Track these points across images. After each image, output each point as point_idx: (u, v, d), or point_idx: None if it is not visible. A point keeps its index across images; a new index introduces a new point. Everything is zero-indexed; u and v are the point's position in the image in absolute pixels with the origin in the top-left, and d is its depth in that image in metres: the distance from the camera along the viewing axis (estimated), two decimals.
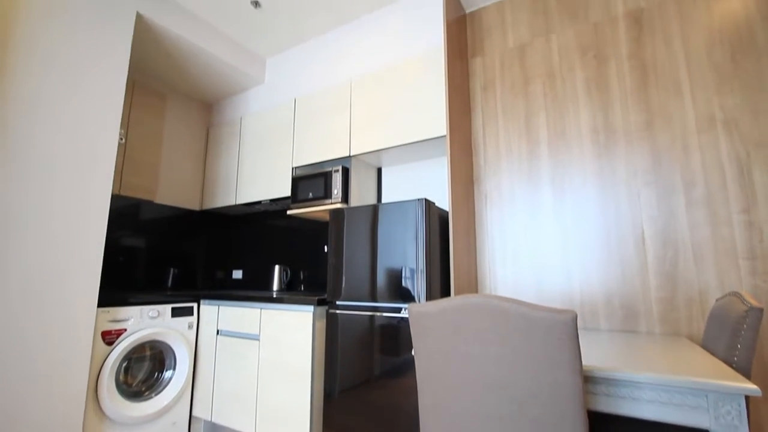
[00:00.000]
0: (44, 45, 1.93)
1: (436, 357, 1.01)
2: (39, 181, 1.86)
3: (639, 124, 1.97)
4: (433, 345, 1.01)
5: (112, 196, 2.66)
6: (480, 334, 0.92)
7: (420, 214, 1.85)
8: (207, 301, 2.59)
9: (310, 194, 2.54)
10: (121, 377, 2.18)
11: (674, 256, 1.81)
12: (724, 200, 1.74)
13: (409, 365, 1.77)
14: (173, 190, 3.21)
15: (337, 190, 2.42)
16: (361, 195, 2.55)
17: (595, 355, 1.28)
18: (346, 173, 2.46)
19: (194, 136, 3.44)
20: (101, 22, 2.17)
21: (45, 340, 1.82)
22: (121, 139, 2.68)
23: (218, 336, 2.47)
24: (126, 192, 2.68)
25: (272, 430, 2.11)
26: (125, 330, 2.16)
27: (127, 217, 2.90)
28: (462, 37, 2.47)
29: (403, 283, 1.84)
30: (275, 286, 2.96)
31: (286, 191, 2.77)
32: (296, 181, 2.64)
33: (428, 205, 1.88)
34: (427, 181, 2.53)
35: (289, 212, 2.64)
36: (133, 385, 2.25)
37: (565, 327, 0.82)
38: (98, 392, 2.02)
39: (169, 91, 3.29)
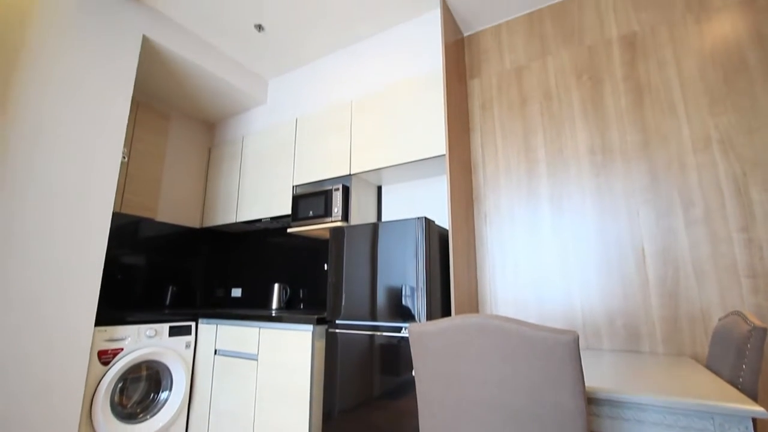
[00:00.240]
0: (51, 66, 1.98)
1: (436, 378, 0.99)
2: (40, 199, 1.88)
3: (635, 143, 2.00)
4: (434, 366, 0.99)
5: (113, 213, 2.67)
6: (481, 355, 0.91)
7: (420, 232, 1.85)
8: (205, 320, 2.56)
9: (311, 212, 2.55)
10: (116, 398, 2.14)
11: (675, 275, 1.81)
12: (723, 218, 1.75)
13: (409, 386, 1.74)
14: (174, 208, 3.23)
15: (337, 208, 2.43)
16: (361, 213, 2.57)
17: (598, 375, 1.27)
18: (346, 191, 2.48)
19: (196, 155, 3.48)
20: (108, 44, 2.23)
21: (40, 360, 1.79)
22: (124, 157, 2.71)
23: (216, 356, 2.43)
24: (127, 210, 2.70)
25: None
26: (122, 349, 2.13)
27: (127, 235, 2.90)
28: (460, 59, 2.53)
29: (403, 302, 1.83)
30: (274, 305, 2.94)
31: (287, 209, 2.78)
32: (297, 200, 2.66)
33: (428, 223, 1.89)
34: (427, 200, 2.54)
35: (289, 230, 2.64)
36: (128, 406, 2.20)
37: (567, 348, 0.82)
38: (92, 414, 1.97)
39: (172, 111, 3.35)
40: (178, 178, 3.28)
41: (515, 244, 2.23)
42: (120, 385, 2.17)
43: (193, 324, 2.55)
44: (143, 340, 2.23)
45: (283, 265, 3.17)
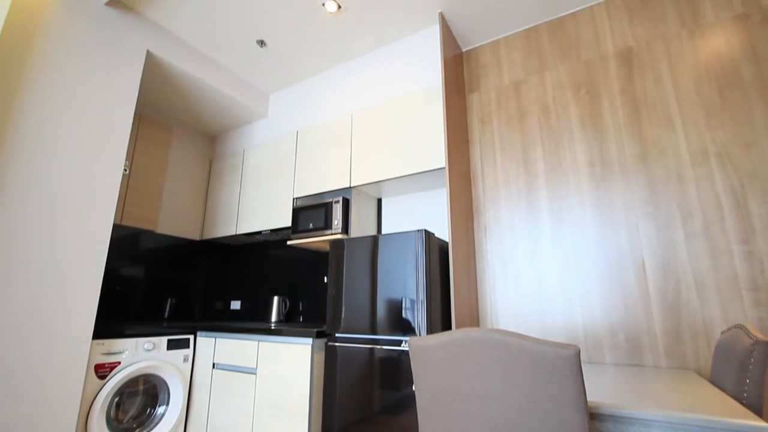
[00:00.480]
0: (56, 81, 2.00)
1: (437, 394, 0.98)
2: (42, 212, 1.88)
3: (634, 157, 2.01)
4: (435, 381, 0.98)
5: (113, 225, 2.67)
6: (482, 369, 0.90)
7: (420, 245, 1.85)
8: (204, 333, 2.54)
9: (311, 225, 2.55)
10: (112, 413, 2.11)
11: (676, 287, 1.80)
12: (723, 231, 1.75)
13: (410, 400, 1.72)
14: (174, 220, 3.23)
15: (337, 220, 2.44)
16: (361, 225, 2.57)
17: (601, 390, 1.25)
18: (346, 204, 2.49)
19: (197, 168, 3.50)
20: (113, 59, 2.26)
21: (36, 374, 1.77)
22: (125, 170, 2.73)
23: (214, 369, 2.41)
24: (127, 222, 2.70)
25: None
26: (119, 363, 2.11)
27: (127, 247, 2.90)
28: (459, 73, 2.57)
29: (404, 315, 1.81)
30: (274, 317, 2.92)
31: (287, 221, 2.79)
32: (297, 212, 2.66)
33: (428, 236, 1.89)
34: (427, 212, 2.55)
35: (289, 242, 2.64)
36: (124, 421, 2.17)
37: (569, 362, 0.81)
38: (88, 430, 1.94)
39: (174, 124, 3.38)
40: (178, 191, 3.30)
41: (516, 257, 2.23)
42: (116, 399, 2.14)
43: (191, 337, 2.52)
44: (141, 354, 2.21)
45: (282, 278, 3.15)
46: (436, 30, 2.53)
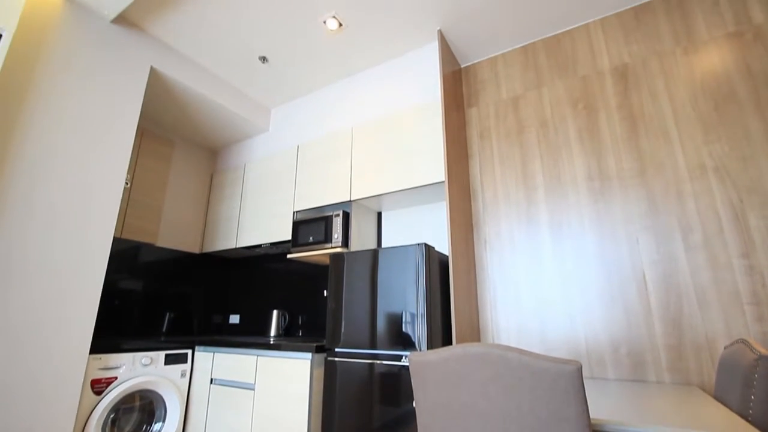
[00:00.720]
0: (61, 96, 2.03)
1: (438, 411, 0.97)
2: (43, 224, 1.89)
3: (632, 171, 2.03)
4: (435, 397, 0.97)
5: (113, 238, 2.67)
6: (483, 385, 0.89)
7: (420, 258, 1.85)
8: (202, 348, 2.51)
9: (311, 238, 2.55)
10: (108, 430, 2.07)
11: (678, 301, 1.79)
12: (723, 245, 1.75)
13: (410, 417, 1.69)
14: (175, 234, 3.23)
15: (337, 234, 2.44)
16: (362, 239, 2.57)
17: (604, 406, 1.23)
18: (346, 217, 2.49)
19: (198, 181, 3.52)
20: (117, 75, 2.30)
21: (31, 389, 1.75)
22: (127, 183, 2.74)
23: (212, 385, 2.37)
24: (127, 235, 2.70)
25: None
26: (116, 378, 2.08)
27: (127, 260, 2.89)
28: (458, 89, 2.61)
29: (404, 329, 1.80)
30: (273, 332, 2.89)
31: (287, 235, 2.79)
32: (297, 225, 2.67)
33: (428, 249, 1.89)
34: (427, 226, 2.55)
35: (289, 256, 2.64)
36: None
37: (571, 378, 0.80)
38: None
39: (176, 138, 3.41)
40: (179, 204, 3.31)
41: (516, 271, 2.22)
42: (112, 416, 2.11)
43: (189, 352, 2.50)
44: (138, 369, 2.19)
45: (282, 291, 3.14)
46: (435, 47, 2.58)
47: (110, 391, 2.04)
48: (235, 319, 3.36)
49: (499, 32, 2.46)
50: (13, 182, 1.81)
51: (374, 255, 2.00)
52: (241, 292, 3.41)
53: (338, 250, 2.41)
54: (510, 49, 2.59)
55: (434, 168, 2.23)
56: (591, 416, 1.08)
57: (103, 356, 2.05)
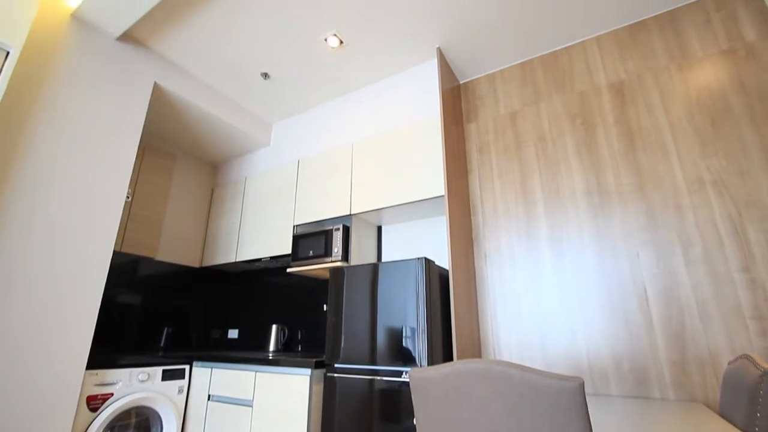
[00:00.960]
0: (66, 112, 2.06)
1: (439, 428, 0.95)
2: (43, 239, 1.89)
3: (631, 185, 2.04)
4: (436, 414, 0.96)
5: (113, 252, 2.66)
6: (484, 402, 0.88)
7: (420, 273, 1.84)
8: (200, 363, 2.48)
9: (311, 252, 2.55)
10: None
11: (680, 316, 1.78)
12: (723, 259, 1.75)
13: None
14: (175, 247, 3.23)
15: (337, 248, 2.44)
16: (362, 253, 2.57)
17: (607, 424, 1.21)
18: (346, 231, 2.50)
19: (199, 195, 3.53)
20: (121, 92, 2.33)
21: (25, 406, 1.72)
22: (128, 197, 2.75)
23: (209, 402, 2.34)
24: (127, 249, 2.69)
25: None
26: (112, 395, 2.05)
27: (126, 274, 2.88)
28: (457, 104, 2.64)
29: (404, 344, 1.78)
30: (272, 347, 2.86)
31: (287, 249, 2.78)
32: (297, 239, 2.67)
33: (428, 264, 1.89)
34: (427, 240, 2.55)
35: (289, 270, 2.63)
36: None
37: (573, 395, 0.79)
38: None
39: (177, 152, 3.44)
40: (180, 218, 3.31)
41: (517, 285, 2.21)
42: None
43: (187, 367, 2.47)
44: (135, 385, 2.15)
45: (281, 306, 3.12)
46: (434, 64, 2.62)
47: (106, 407, 2.01)
48: (233, 333, 3.32)
49: (496, 49, 2.50)
50: (14, 196, 1.81)
51: (374, 269, 1.99)
52: (241, 307, 3.39)
53: (338, 264, 2.41)
54: (508, 65, 2.64)
55: (434, 182, 2.24)
56: None
57: (100, 372, 2.03)
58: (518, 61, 2.60)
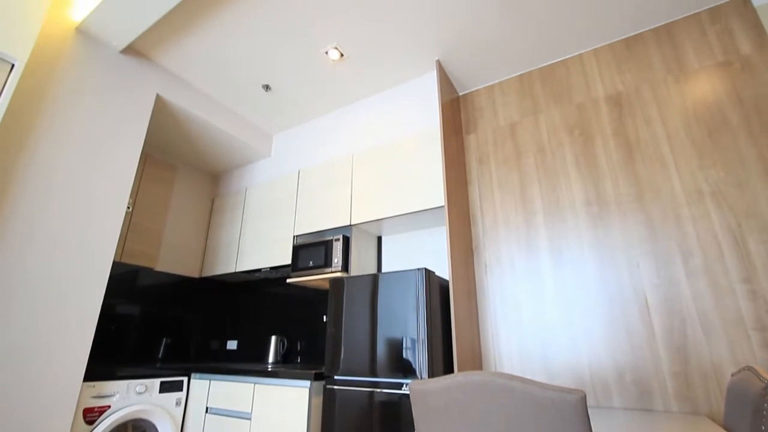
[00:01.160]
0: (68, 123, 2.08)
1: None
2: (43, 250, 1.88)
3: (630, 196, 2.04)
4: (437, 427, 0.95)
5: (113, 262, 2.66)
6: (485, 415, 0.87)
7: (420, 283, 1.84)
8: (198, 375, 2.46)
9: (311, 262, 2.55)
10: None
11: (681, 327, 1.77)
12: (724, 270, 1.75)
13: None
14: (174, 258, 3.22)
15: (337, 258, 2.44)
16: (362, 263, 2.56)
17: None
18: (346, 242, 2.50)
19: (199, 205, 3.54)
20: (124, 103, 2.36)
21: (20, 418, 1.70)
22: (129, 207, 2.76)
23: (207, 414, 2.31)
24: (127, 259, 2.69)
25: None
26: (109, 407, 2.03)
27: (125, 284, 2.87)
28: (456, 116, 2.67)
29: (404, 355, 1.77)
30: (271, 358, 2.84)
31: (287, 259, 2.78)
32: (297, 249, 2.66)
33: (428, 274, 1.88)
34: (427, 250, 2.55)
35: (288, 280, 2.62)
36: None
37: (575, 408, 0.79)
38: None
39: (178, 163, 3.46)
40: (180, 228, 3.31)
41: (517, 296, 2.21)
42: None
43: (185, 379, 2.44)
44: (132, 397, 2.13)
45: (281, 317, 3.10)
46: (433, 76, 2.65)
47: (103, 420, 1.98)
48: (232, 345, 3.30)
49: (495, 62, 2.54)
50: (16, 206, 1.82)
51: (374, 280, 1.99)
52: (240, 318, 3.37)
53: (338, 274, 2.40)
54: (506, 77, 2.67)
55: (434, 193, 2.25)
56: None
57: (97, 384, 2.01)
58: (517, 74, 2.63)
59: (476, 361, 2.13)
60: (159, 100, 2.61)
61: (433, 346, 1.78)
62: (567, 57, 2.47)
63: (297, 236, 2.82)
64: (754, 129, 1.84)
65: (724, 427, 1.37)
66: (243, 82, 2.79)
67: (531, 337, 2.10)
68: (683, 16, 2.17)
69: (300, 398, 1.97)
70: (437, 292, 1.95)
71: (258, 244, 3.02)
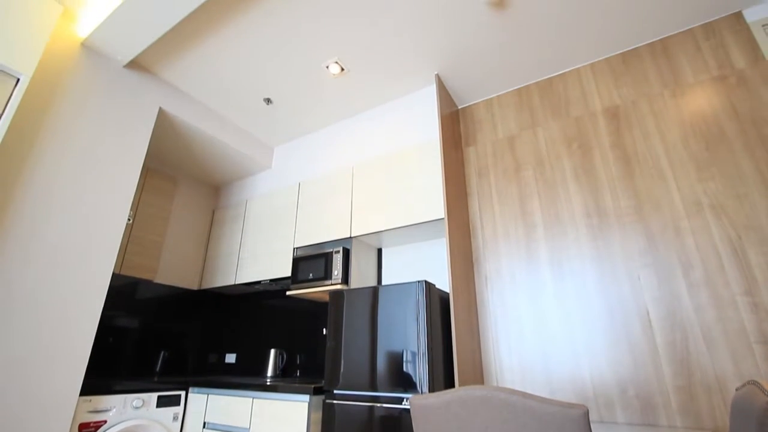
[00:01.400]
0: (71, 137, 2.10)
1: None
2: (44, 263, 1.88)
3: (629, 208, 2.05)
4: None
5: (112, 275, 2.65)
6: (486, 430, 0.86)
7: (421, 296, 1.83)
8: (196, 389, 2.43)
9: (311, 275, 2.54)
10: None
11: (684, 340, 1.76)
12: (725, 282, 1.74)
13: None
14: (174, 270, 3.21)
15: (337, 270, 2.43)
16: (362, 276, 2.55)
17: None
18: (346, 254, 2.49)
19: (200, 217, 3.54)
20: (127, 117, 2.38)
21: None
22: (129, 219, 2.76)
23: (204, 429, 2.27)
24: (126, 271, 2.68)
25: None
26: (105, 422, 2.00)
27: (123, 297, 2.86)
28: (456, 129, 2.69)
29: (405, 369, 1.75)
30: (270, 372, 2.81)
31: (287, 271, 2.77)
32: (297, 262, 2.66)
33: (428, 287, 1.88)
34: (427, 262, 2.55)
35: (288, 293, 2.61)
36: None
37: (577, 424, 0.78)
38: None
39: (179, 175, 3.47)
40: (180, 240, 3.31)
41: (518, 308, 2.19)
42: None
43: (182, 393, 2.41)
44: (129, 412, 2.10)
45: (280, 329, 3.08)
46: (433, 90, 2.69)
47: None
48: (231, 358, 3.27)
49: (493, 76, 2.57)
50: (17, 217, 1.82)
51: (374, 292, 1.98)
52: (239, 330, 3.34)
53: (338, 287, 2.39)
54: (505, 91, 2.70)
55: (434, 205, 2.26)
56: None
57: (94, 398, 1.98)
58: (514, 87, 2.67)
59: (477, 374, 2.11)
60: (161, 113, 2.64)
61: (434, 360, 1.77)
62: (564, 71, 2.51)
63: (297, 248, 2.82)
64: (751, 142, 1.86)
65: None
66: (244, 95, 2.82)
67: (532, 349, 2.08)
68: (677, 31, 2.21)
69: (299, 413, 1.94)
70: (438, 304, 1.94)
71: (258, 256, 3.02)
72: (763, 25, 2.00)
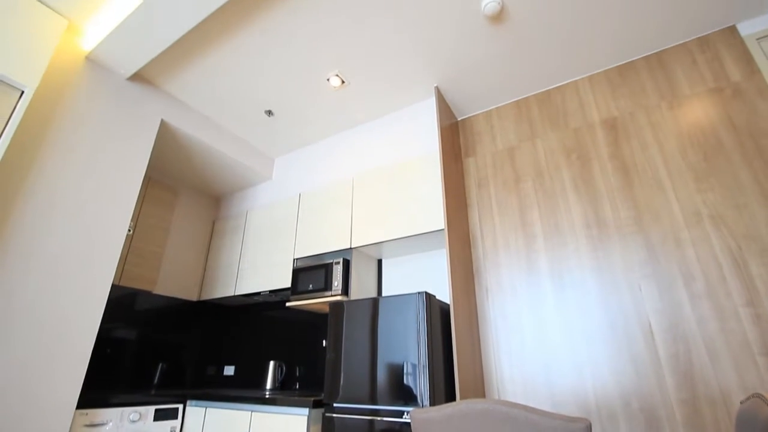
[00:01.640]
0: (73, 148, 2.11)
1: None
2: (44, 274, 1.88)
3: (629, 219, 2.05)
4: None
5: (111, 286, 2.64)
6: None
7: (421, 307, 1.82)
8: (194, 402, 2.40)
9: (311, 286, 2.53)
10: None
11: (687, 353, 1.74)
12: (727, 293, 1.74)
13: None
14: (173, 281, 3.20)
15: (337, 282, 2.42)
16: (362, 287, 2.54)
17: None
18: (346, 265, 2.49)
19: (200, 228, 3.54)
20: (129, 129, 2.40)
21: None
22: (129, 230, 2.76)
23: None
24: (126, 282, 2.67)
25: None
26: None
27: (122, 308, 2.84)
28: (455, 140, 2.71)
29: (405, 381, 1.73)
30: (269, 384, 2.77)
31: (286, 282, 2.76)
32: (297, 273, 2.65)
33: (429, 298, 1.87)
34: (428, 273, 2.54)
35: (288, 304, 2.60)
36: None
37: None
38: None
39: (180, 186, 3.49)
40: (180, 251, 3.31)
41: (519, 320, 2.18)
42: None
43: (180, 407, 2.38)
44: (126, 425, 2.07)
45: (279, 341, 3.05)
46: (432, 102, 2.71)
47: None
48: (230, 370, 3.23)
49: (492, 88, 2.60)
50: (18, 227, 1.83)
51: (374, 303, 1.97)
52: (238, 342, 3.31)
53: (338, 298, 2.38)
54: (504, 103, 2.73)
55: (434, 216, 2.26)
56: None
57: (90, 411, 1.96)
58: (513, 99, 2.69)
59: (478, 386, 2.08)
60: (163, 124, 2.66)
61: (435, 372, 1.75)
62: (562, 83, 2.53)
63: (297, 259, 2.81)
64: (749, 152, 1.87)
65: None
66: (246, 107, 2.85)
67: (534, 361, 2.06)
68: (673, 45, 2.24)
69: (298, 427, 1.92)
70: (438, 316, 1.93)
71: (258, 267, 3.01)
72: (758, 39, 2.03)
